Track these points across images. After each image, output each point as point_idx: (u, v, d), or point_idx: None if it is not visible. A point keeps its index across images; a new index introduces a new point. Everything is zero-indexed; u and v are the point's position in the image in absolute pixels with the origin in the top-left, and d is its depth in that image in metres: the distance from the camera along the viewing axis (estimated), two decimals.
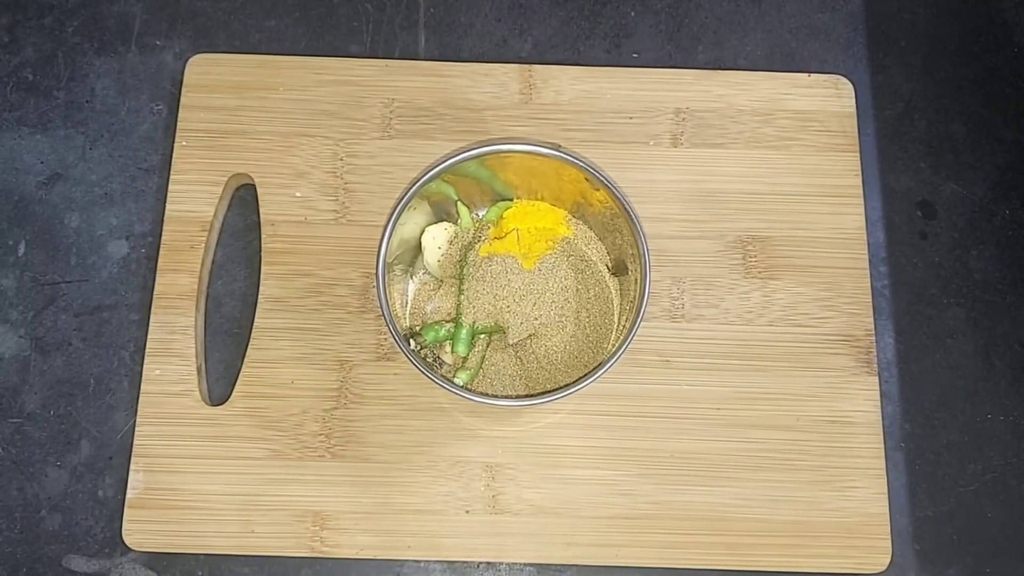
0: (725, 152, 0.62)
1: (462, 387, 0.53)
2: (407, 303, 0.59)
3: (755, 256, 0.61)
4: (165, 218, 0.60)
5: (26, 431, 0.58)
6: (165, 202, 0.61)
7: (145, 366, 0.58)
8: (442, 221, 0.59)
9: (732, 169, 0.62)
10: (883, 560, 0.56)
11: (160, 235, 0.60)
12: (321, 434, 0.57)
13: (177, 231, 0.60)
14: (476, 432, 0.57)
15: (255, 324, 0.59)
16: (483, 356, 0.57)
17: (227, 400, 0.58)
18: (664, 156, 0.62)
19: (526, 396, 0.55)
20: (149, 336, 0.58)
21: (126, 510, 0.55)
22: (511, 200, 0.60)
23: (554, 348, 0.56)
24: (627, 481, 0.57)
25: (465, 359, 0.56)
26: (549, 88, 0.63)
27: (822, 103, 0.64)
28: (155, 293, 0.59)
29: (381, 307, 0.52)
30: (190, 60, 0.63)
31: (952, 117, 0.66)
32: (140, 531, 0.55)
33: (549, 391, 0.53)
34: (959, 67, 0.67)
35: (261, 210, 0.61)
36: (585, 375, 0.51)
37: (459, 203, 0.59)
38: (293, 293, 0.59)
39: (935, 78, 0.67)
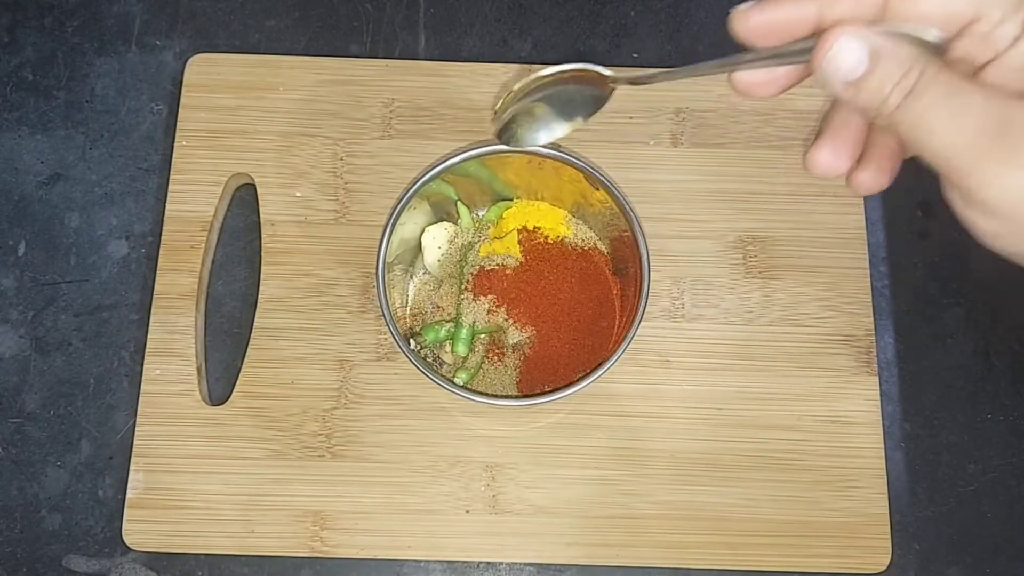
0: (725, 152, 0.62)
1: (462, 387, 0.52)
2: (407, 303, 0.59)
3: (755, 256, 0.61)
4: (165, 218, 0.60)
5: (26, 431, 0.58)
6: (165, 202, 0.61)
7: (145, 366, 0.58)
8: (442, 221, 0.59)
9: (732, 169, 0.62)
10: (883, 560, 0.56)
11: (160, 235, 0.60)
12: (321, 434, 0.57)
13: (177, 231, 0.60)
14: (476, 432, 0.57)
15: (255, 324, 0.59)
16: (483, 356, 0.57)
17: (227, 400, 0.58)
18: (664, 156, 0.62)
19: (526, 396, 0.55)
20: (149, 336, 0.58)
21: (126, 510, 0.55)
22: (511, 200, 0.60)
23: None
24: (627, 481, 0.57)
25: (465, 359, 0.56)
26: None
27: (822, 103, 0.64)
28: (155, 293, 0.59)
29: (381, 307, 0.52)
30: (190, 60, 0.63)
31: None
32: (140, 531, 0.55)
33: (549, 391, 0.53)
34: None
35: (261, 210, 0.61)
36: (585, 375, 0.52)
37: (459, 203, 0.59)
38: (293, 293, 0.59)
39: None
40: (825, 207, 0.61)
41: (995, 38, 0.29)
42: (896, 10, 0.30)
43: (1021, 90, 0.29)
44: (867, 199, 0.62)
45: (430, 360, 0.57)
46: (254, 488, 0.56)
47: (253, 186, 0.62)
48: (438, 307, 0.58)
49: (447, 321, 0.57)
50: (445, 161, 0.54)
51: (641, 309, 0.52)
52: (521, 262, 0.57)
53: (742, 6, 0.32)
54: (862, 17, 0.30)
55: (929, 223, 0.64)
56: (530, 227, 0.58)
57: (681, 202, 0.61)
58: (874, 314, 0.60)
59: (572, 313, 0.56)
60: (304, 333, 0.58)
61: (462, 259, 0.57)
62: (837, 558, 0.56)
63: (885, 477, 0.57)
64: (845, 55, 0.29)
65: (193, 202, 0.61)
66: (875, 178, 0.34)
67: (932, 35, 0.29)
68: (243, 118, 0.62)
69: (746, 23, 0.32)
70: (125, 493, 0.56)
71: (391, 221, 0.53)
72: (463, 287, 0.56)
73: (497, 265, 0.56)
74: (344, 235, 0.60)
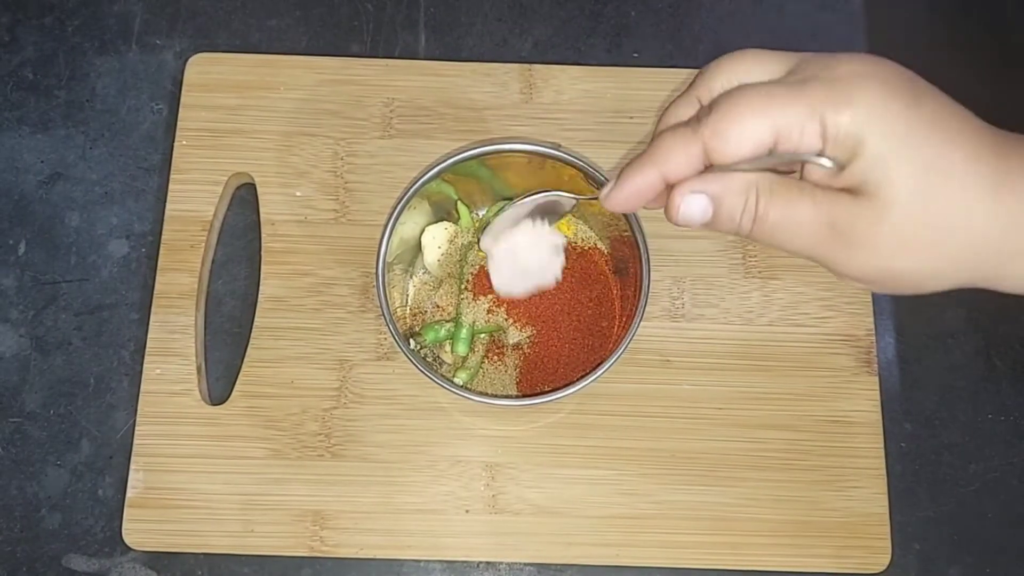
0: None
1: (462, 387, 0.52)
2: (407, 303, 0.59)
3: (755, 255, 0.61)
4: (165, 217, 0.60)
5: (26, 430, 0.58)
6: (165, 201, 0.61)
7: (145, 365, 0.58)
8: (442, 220, 0.59)
9: None
10: (883, 560, 0.56)
11: (160, 234, 0.60)
12: (321, 433, 0.57)
13: (177, 230, 0.60)
14: (476, 432, 0.57)
15: (255, 323, 0.59)
16: (483, 356, 0.57)
17: (227, 399, 0.58)
18: None
19: (526, 396, 0.55)
20: (149, 335, 0.58)
21: (126, 509, 0.55)
22: (511, 199, 0.60)
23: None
24: (627, 481, 0.56)
25: (465, 359, 0.56)
26: (549, 88, 0.63)
27: None
28: (155, 292, 0.59)
29: (381, 306, 0.52)
30: (190, 59, 0.63)
31: None
32: (140, 530, 0.55)
33: (549, 391, 0.53)
34: (959, 67, 0.67)
35: (261, 209, 0.61)
36: (585, 375, 0.51)
37: (459, 202, 0.59)
38: (293, 292, 0.59)
39: (934, 79, 0.67)
40: None
41: (803, 149, 0.32)
42: (713, 156, 0.33)
43: (839, 185, 0.33)
44: None
45: (430, 360, 0.57)
46: (254, 488, 0.56)
47: (253, 185, 0.62)
48: (438, 307, 0.58)
49: (447, 321, 0.57)
50: (445, 161, 0.54)
51: (641, 309, 0.52)
52: None
53: (604, 191, 0.37)
54: (694, 167, 0.34)
55: None
56: None
57: None
58: (874, 314, 0.60)
59: (572, 313, 0.56)
60: (304, 332, 0.58)
61: (462, 259, 0.57)
62: (837, 558, 0.56)
63: (885, 477, 0.57)
64: (691, 208, 0.34)
65: (193, 201, 0.61)
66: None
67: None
68: (243, 117, 0.62)
69: (612, 203, 0.37)
70: (125, 492, 0.56)
71: (391, 220, 0.53)
72: (463, 287, 0.56)
73: None
74: (344, 234, 0.60)
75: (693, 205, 0.34)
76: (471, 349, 0.56)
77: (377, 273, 0.52)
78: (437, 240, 0.58)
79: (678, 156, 0.34)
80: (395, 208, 0.53)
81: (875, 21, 0.68)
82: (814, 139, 0.32)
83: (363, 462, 0.56)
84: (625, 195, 0.36)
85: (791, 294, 0.60)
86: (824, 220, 0.33)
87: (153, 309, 0.59)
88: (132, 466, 0.56)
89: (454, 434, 0.57)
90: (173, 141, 0.62)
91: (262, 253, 0.60)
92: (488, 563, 0.56)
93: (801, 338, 0.59)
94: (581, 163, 0.54)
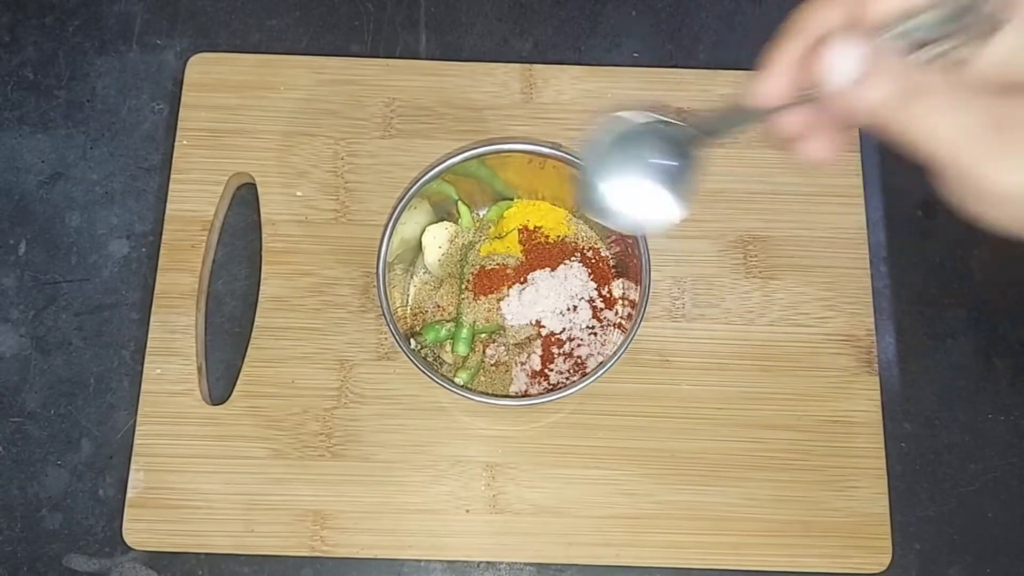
0: (726, 151, 0.62)
1: (462, 387, 0.52)
2: (408, 302, 0.59)
3: (756, 256, 0.61)
4: (166, 217, 0.60)
5: (27, 430, 0.58)
6: (166, 201, 0.61)
7: (146, 365, 0.58)
8: (443, 220, 0.59)
9: (733, 168, 0.62)
10: (884, 560, 0.56)
11: (161, 234, 0.60)
12: (322, 433, 0.57)
13: (178, 230, 0.60)
14: (476, 431, 0.57)
15: (256, 323, 0.59)
16: (483, 356, 0.57)
17: (228, 399, 0.58)
18: None
19: (526, 396, 0.55)
20: (150, 335, 0.58)
21: (127, 509, 0.55)
22: (512, 199, 0.60)
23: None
24: (628, 481, 0.56)
25: (465, 359, 0.56)
26: (550, 88, 0.63)
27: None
28: (156, 292, 0.59)
29: (382, 306, 0.52)
30: (191, 59, 0.63)
31: None
32: (141, 530, 0.55)
33: (549, 391, 0.53)
34: None
35: (262, 209, 0.61)
36: (585, 375, 0.51)
37: (459, 202, 0.59)
38: (294, 292, 0.59)
39: None
40: (826, 207, 0.61)
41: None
42: (875, 7, 0.30)
43: (1003, 83, 0.28)
44: (868, 199, 0.62)
45: (430, 360, 0.57)
46: (254, 487, 0.56)
47: (254, 185, 0.62)
48: (439, 307, 0.58)
49: (447, 321, 0.57)
50: (446, 161, 0.54)
51: (641, 309, 0.52)
52: (522, 262, 0.57)
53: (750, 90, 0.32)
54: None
55: (930, 223, 0.63)
56: (531, 227, 0.58)
57: None
58: (875, 314, 0.60)
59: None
60: (305, 332, 0.58)
61: (463, 259, 0.57)
62: (838, 558, 0.56)
63: (886, 477, 0.57)
64: (845, 61, 0.29)
65: (194, 201, 0.61)
66: (825, 148, 0.34)
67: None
68: (244, 117, 0.62)
69: (761, 94, 0.32)
70: (125, 492, 0.56)
71: (392, 220, 0.53)
72: (464, 287, 0.56)
73: (498, 265, 0.56)
74: (345, 234, 0.60)
75: (848, 57, 0.29)
76: (471, 349, 0.56)
77: (378, 273, 0.52)
78: (438, 240, 0.58)
79: (829, 15, 0.30)
80: (396, 208, 0.53)
81: None
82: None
83: (364, 462, 0.56)
84: (773, 82, 0.31)
85: (791, 294, 0.60)
86: (987, 116, 0.27)
87: (153, 309, 0.59)
88: (132, 466, 0.56)
89: (454, 434, 0.57)
90: (174, 141, 0.62)
91: (263, 253, 0.60)
92: (488, 563, 0.56)
93: (801, 338, 0.59)
94: (582, 163, 0.53)
